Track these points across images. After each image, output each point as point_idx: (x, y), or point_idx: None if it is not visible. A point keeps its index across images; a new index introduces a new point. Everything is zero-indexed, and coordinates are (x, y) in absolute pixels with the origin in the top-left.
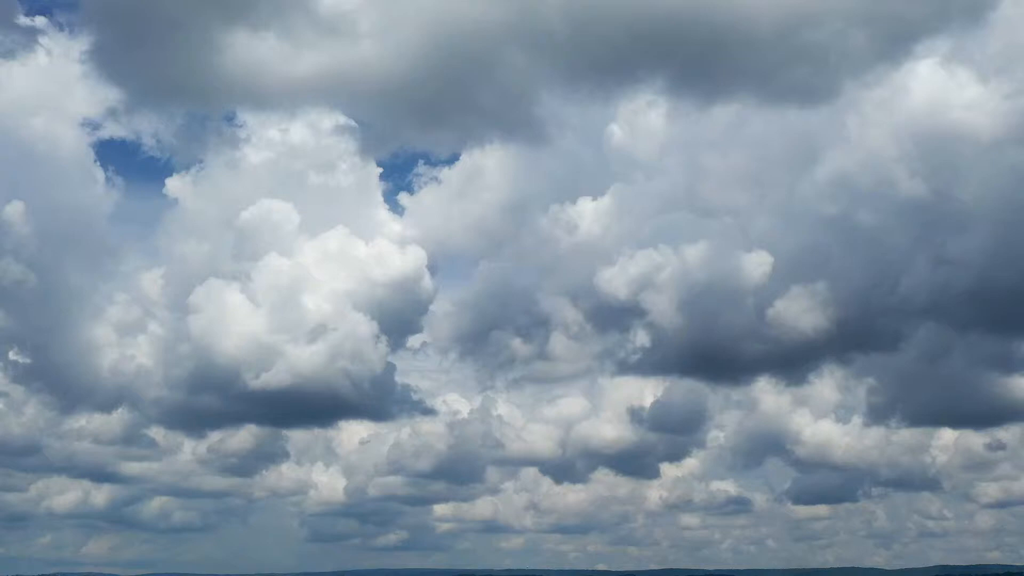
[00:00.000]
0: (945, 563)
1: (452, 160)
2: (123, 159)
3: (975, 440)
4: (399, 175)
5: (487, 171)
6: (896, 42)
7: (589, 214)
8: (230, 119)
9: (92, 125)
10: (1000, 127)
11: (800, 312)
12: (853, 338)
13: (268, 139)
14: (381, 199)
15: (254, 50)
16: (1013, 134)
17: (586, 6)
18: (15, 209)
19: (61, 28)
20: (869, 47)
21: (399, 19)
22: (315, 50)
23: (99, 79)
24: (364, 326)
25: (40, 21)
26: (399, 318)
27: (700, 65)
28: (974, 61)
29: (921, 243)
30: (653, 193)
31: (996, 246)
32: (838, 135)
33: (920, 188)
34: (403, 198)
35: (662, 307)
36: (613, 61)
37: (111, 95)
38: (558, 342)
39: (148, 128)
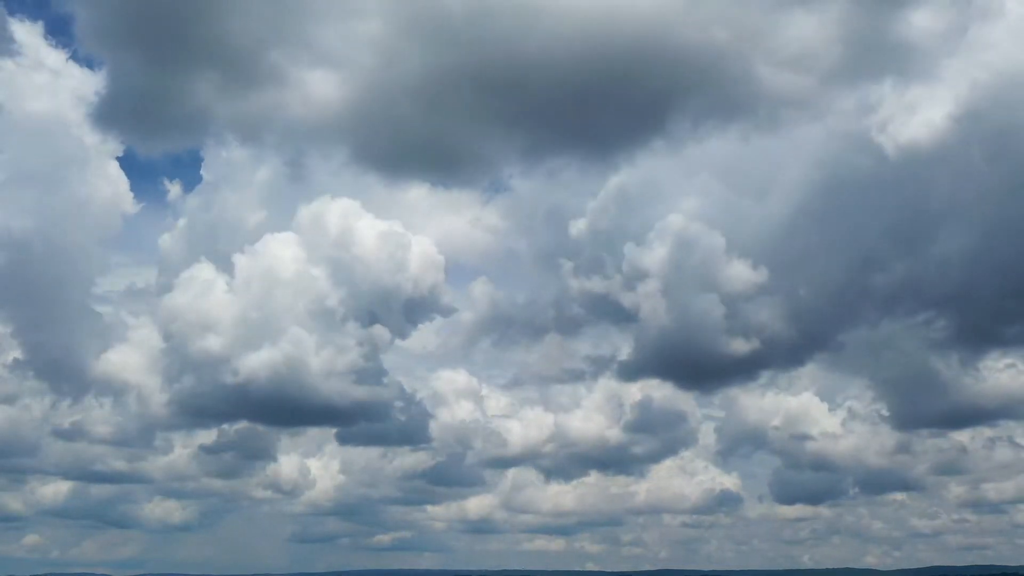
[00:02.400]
0: (938, 563)
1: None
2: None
3: (964, 440)
4: None
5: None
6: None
7: (579, 225)
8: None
9: (97, 136)
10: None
11: (784, 315)
12: (838, 341)
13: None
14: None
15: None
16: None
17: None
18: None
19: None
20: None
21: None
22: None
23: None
24: (361, 326)
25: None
26: (395, 319)
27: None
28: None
29: (898, 248)
30: (641, 206)
31: (973, 251)
32: (810, 149)
33: (895, 195)
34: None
35: (649, 312)
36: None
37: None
38: (551, 344)
39: (148, 139)
